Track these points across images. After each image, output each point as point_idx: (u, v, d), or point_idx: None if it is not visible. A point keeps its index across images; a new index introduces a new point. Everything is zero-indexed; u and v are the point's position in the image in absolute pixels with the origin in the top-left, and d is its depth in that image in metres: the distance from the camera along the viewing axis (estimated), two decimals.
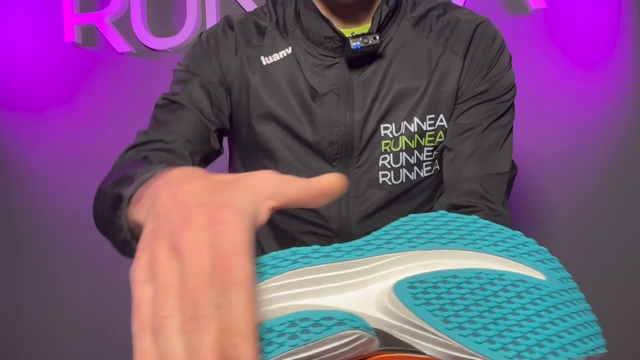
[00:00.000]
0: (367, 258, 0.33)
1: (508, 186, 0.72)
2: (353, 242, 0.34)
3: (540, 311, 0.30)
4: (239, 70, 0.74)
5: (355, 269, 0.33)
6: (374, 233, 0.34)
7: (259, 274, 0.33)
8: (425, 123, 0.72)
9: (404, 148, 0.72)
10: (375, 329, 0.32)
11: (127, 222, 0.40)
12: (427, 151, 0.73)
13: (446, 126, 0.72)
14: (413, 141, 0.72)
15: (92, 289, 1.56)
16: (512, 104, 0.74)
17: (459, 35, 0.73)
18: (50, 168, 1.58)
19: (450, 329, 0.29)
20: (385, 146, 0.72)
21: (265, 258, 0.34)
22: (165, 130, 0.70)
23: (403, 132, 0.71)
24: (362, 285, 0.33)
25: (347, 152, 0.72)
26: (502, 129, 0.73)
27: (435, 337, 0.29)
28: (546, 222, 1.36)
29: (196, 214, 0.25)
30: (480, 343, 0.28)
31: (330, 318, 0.30)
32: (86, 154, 1.55)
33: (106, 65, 1.56)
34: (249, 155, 0.77)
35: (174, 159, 0.67)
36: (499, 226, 0.35)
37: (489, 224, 0.35)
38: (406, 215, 0.35)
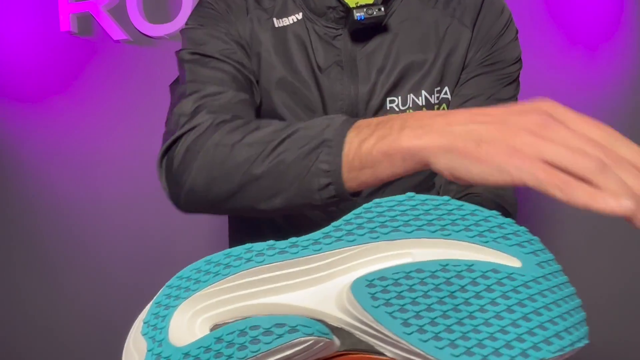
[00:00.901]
0: (326, 253, 0.30)
1: None
2: (312, 234, 0.31)
3: (512, 305, 0.27)
4: (251, 32, 0.70)
5: (312, 265, 0.31)
6: (334, 223, 0.31)
7: (212, 275, 0.31)
8: (433, 96, 0.69)
9: None
10: (336, 327, 0.30)
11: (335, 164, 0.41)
12: None
13: (450, 98, 0.69)
14: None
15: (88, 280, 1.54)
16: (517, 79, 0.71)
17: (467, 5, 0.70)
18: (46, 158, 1.56)
19: (409, 334, 0.26)
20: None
21: (218, 256, 0.32)
22: (218, 84, 0.63)
23: (410, 105, 0.68)
24: (321, 282, 0.31)
25: None
26: (505, 101, 0.69)
27: (395, 342, 0.27)
28: (545, 205, 1.31)
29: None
30: (441, 349, 0.26)
31: (282, 325, 0.27)
32: (84, 142, 1.53)
33: (102, 53, 1.54)
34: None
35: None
36: (474, 207, 0.32)
37: (462, 205, 0.32)
38: (413, 189, 0.32)
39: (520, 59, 0.71)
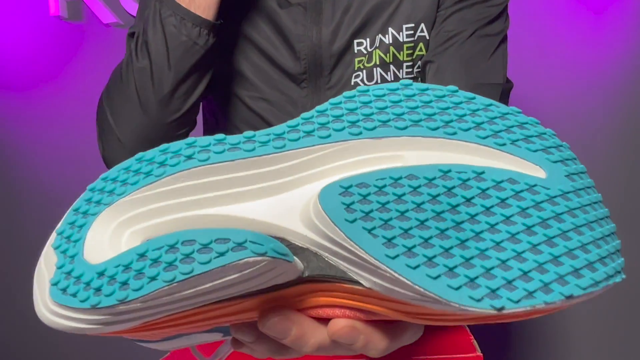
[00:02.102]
0: (290, 152, 0.23)
1: (502, 101, 0.61)
2: (274, 128, 0.24)
3: (532, 226, 0.20)
4: None
5: (272, 167, 0.23)
6: (304, 114, 0.24)
7: (143, 175, 0.24)
8: (402, 34, 0.61)
9: (377, 63, 0.62)
10: (299, 248, 0.23)
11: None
12: (407, 67, 0.63)
13: (427, 37, 0.62)
14: (388, 55, 0.61)
15: None
16: (505, 11, 0.62)
17: None
18: (37, 147, 1.47)
19: (393, 258, 0.20)
20: (358, 63, 0.62)
21: (152, 152, 0.24)
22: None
23: (377, 45, 0.61)
24: (283, 190, 0.24)
25: (316, 71, 0.62)
26: (492, 37, 0.61)
27: (374, 268, 0.20)
28: None
29: None
30: (434, 278, 0.19)
31: (225, 240, 0.21)
32: (74, 130, 1.43)
33: (93, 38, 1.43)
34: (224, 87, 0.66)
35: None
36: (488, 100, 0.24)
37: (473, 98, 0.24)
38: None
39: None
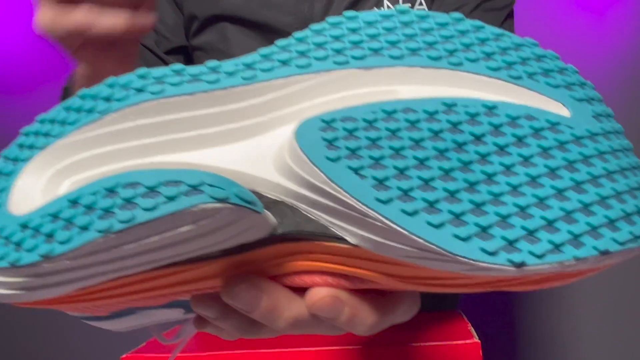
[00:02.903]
0: (262, 83, 0.19)
1: None
2: (245, 56, 0.20)
3: (557, 169, 0.17)
4: None
5: (241, 104, 0.19)
6: (280, 42, 0.20)
7: (84, 113, 0.20)
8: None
9: None
10: (273, 201, 0.19)
11: None
12: None
13: (426, 10, 0.56)
14: None
15: None
16: None
17: None
18: None
19: (385, 202, 0.16)
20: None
21: (97, 87, 0.20)
22: None
23: None
24: (253, 133, 0.20)
25: None
26: (497, 11, 0.57)
27: (361, 217, 0.16)
28: None
29: None
30: (437, 227, 0.15)
31: (177, 182, 0.17)
32: None
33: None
34: (199, 58, 0.63)
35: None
36: (500, 30, 0.20)
37: (482, 27, 0.20)
38: None
39: None
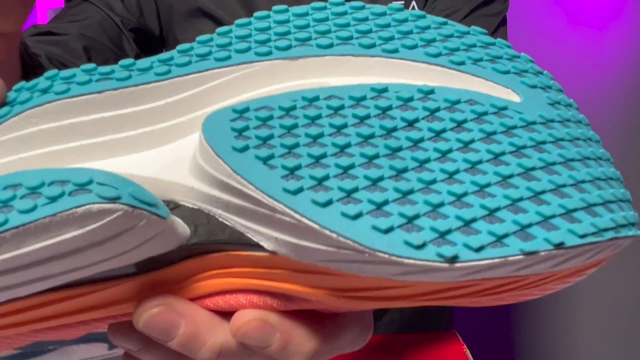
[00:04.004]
0: (177, 79, 0.17)
1: None
2: (163, 54, 0.18)
3: (501, 154, 0.14)
4: None
5: (155, 103, 0.17)
6: (200, 38, 0.18)
7: None
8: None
9: None
10: (190, 207, 0.17)
11: None
12: None
13: None
14: None
15: None
16: None
17: None
18: None
19: (294, 192, 0.13)
20: None
21: (7, 94, 0.19)
22: (57, 24, 0.56)
23: None
24: (169, 138, 0.17)
25: None
26: (490, 17, 0.57)
27: (270, 213, 0.14)
28: None
29: None
30: (353, 218, 0.13)
31: (63, 182, 0.14)
32: None
33: None
34: None
35: (60, 53, 0.53)
36: (442, 19, 0.19)
37: (423, 16, 0.19)
38: None
39: None
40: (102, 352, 0.21)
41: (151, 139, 0.18)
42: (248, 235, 0.15)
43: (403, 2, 0.56)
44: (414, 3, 0.56)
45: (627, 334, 1.09)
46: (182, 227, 0.16)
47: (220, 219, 0.16)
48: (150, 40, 0.62)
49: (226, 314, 0.17)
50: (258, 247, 0.15)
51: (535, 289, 0.15)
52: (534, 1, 1.16)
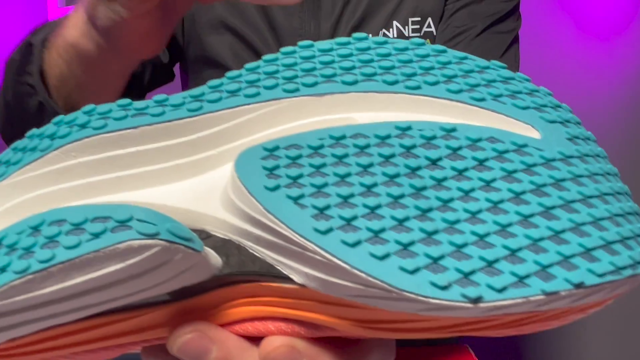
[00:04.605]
0: (209, 115, 0.18)
1: None
2: (193, 89, 0.19)
3: (522, 193, 0.15)
4: None
5: (188, 137, 0.18)
6: (229, 73, 0.19)
7: (28, 152, 0.19)
8: (407, 28, 0.57)
9: None
10: (221, 238, 0.17)
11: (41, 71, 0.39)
12: None
13: (435, 33, 0.58)
14: None
15: None
16: (517, 8, 0.59)
17: None
18: None
19: (324, 232, 0.14)
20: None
21: (45, 127, 0.20)
22: None
23: None
24: (202, 169, 0.18)
25: None
26: (503, 35, 0.57)
27: (301, 250, 0.15)
28: None
29: None
30: (381, 258, 0.13)
31: (105, 219, 0.15)
32: None
33: None
34: (197, 73, 0.63)
35: None
36: (462, 53, 0.19)
37: (444, 51, 0.19)
38: None
39: None
40: None
41: (183, 171, 0.18)
42: (278, 267, 0.16)
43: (420, 18, 0.57)
44: (429, 20, 0.57)
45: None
46: (215, 258, 0.17)
47: (250, 251, 0.17)
48: (176, 50, 0.63)
49: (255, 339, 0.18)
50: (287, 279, 0.16)
51: (555, 321, 0.16)
52: (543, 11, 1.15)
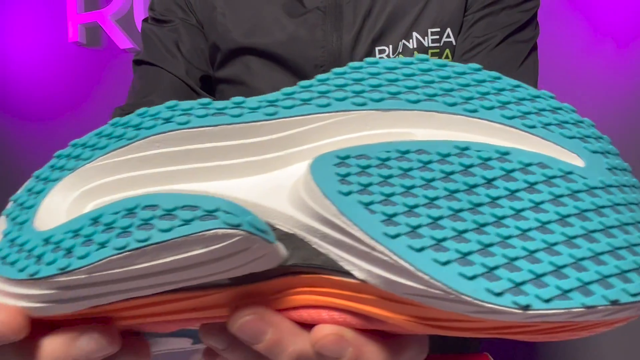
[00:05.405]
0: (283, 120, 0.20)
1: None
2: (268, 95, 0.21)
3: (567, 216, 0.17)
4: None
5: (262, 138, 0.20)
6: (302, 83, 0.21)
7: (114, 139, 0.21)
8: (427, 38, 0.58)
9: None
10: (285, 234, 0.19)
11: None
12: None
13: (454, 43, 0.59)
14: None
15: None
16: (535, 17, 0.60)
17: None
18: None
19: (393, 237, 0.16)
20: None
21: (129, 117, 0.21)
22: (137, 99, 0.60)
23: (400, 51, 0.58)
24: (271, 167, 0.20)
25: None
26: (522, 44, 0.59)
27: (369, 250, 0.17)
28: None
29: None
30: (444, 264, 0.15)
31: (193, 207, 0.17)
32: None
33: (110, 63, 1.47)
34: (222, 91, 0.65)
35: None
36: (516, 81, 0.21)
37: (499, 78, 0.21)
38: None
39: None
40: (186, 345, 0.24)
41: (253, 168, 0.20)
42: (341, 263, 0.18)
43: (439, 29, 0.58)
44: (449, 30, 0.58)
45: None
46: (282, 250, 0.19)
47: (314, 246, 0.19)
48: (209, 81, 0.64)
49: (307, 326, 0.20)
50: (348, 274, 0.18)
51: (584, 331, 0.17)
52: (561, 16, 1.15)
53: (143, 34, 0.65)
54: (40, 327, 0.19)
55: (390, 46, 0.58)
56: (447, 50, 0.59)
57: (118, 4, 1.43)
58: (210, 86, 0.64)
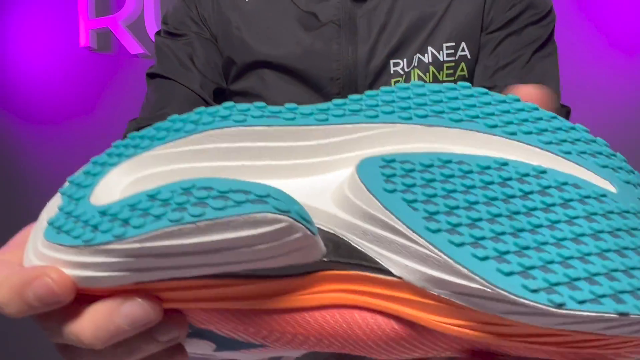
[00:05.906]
0: (333, 126, 0.21)
1: None
2: (320, 104, 0.23)
3: (600, 232, 0.17)
4: (217, 13, 0.64)
5: (311, 142, 0.22)
6: (352, 96, 0.23)
7: (173, 132, 0.22)
8: (442, 53, 0.60)
9: None
10: (326, 231, 0.20)
11: None
12: None
13: (469, 57, 0.60)
14: (428, 74, 0.60)
15: None
16: (553, 32, 0.62)
17: None
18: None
19: (434, 231, 0.17)
20: (394, 84, 0.61)
21: (187, 114, 0.23)
22: (152, 113, 0.61)
23: (415, 64, 0.60)
24: (318, 171, 0.21)
25: (351, 91, 0.61)
26: (550, 57, 0.61)
27: (409, 244, 0.17)
28: None
29: None
30: (482, 259, 0.16)
31: (245, 192, 0.18)
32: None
33: (121, 68, 1.52)
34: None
35: None
36: (553, 114, 0.22)
37: (537, 108, 0.22)
38: None
39: (552, 7, 0.62)
40: (206, 351, 0.24)
41: (300, 170, 0.22)
42: (378, 260, 0.19)
43: (454, 43, 0.59)
44: (463, 45, 0.59)
45: None
46: (322, 245, 0.19)
47: (353, 244, 0.19)
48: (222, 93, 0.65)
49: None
50: (385, 272, 0.19)
51: (610, 351, 0.18)
52: (574, 24, 1.16)
53: (157, 47, 0.66)
54: (83, 301, 0.20)
55: (405, 60, 0.59)
56: (463, 64, 0.60)
57: (129, 10, 1.46)
58: (224, 99, 0.65)
